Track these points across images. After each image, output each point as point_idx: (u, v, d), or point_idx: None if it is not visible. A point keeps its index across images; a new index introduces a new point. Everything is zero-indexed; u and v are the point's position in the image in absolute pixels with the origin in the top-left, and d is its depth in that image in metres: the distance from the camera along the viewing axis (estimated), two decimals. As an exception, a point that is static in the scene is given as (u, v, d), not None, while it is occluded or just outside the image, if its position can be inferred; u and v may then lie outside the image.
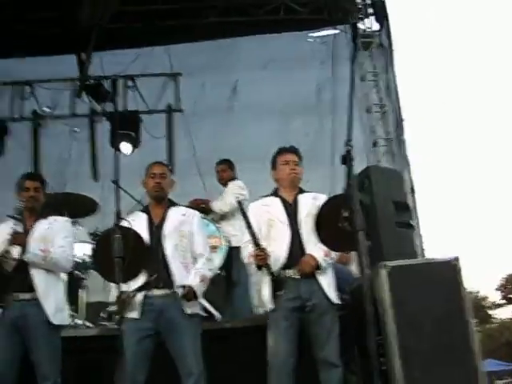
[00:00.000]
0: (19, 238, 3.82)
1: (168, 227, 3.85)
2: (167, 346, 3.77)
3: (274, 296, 3.75)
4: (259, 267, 3.81)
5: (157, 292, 3.76)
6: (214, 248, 5.73)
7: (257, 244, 3.80)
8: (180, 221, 3.92)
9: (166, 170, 4.13)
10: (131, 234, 3.16)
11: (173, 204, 4.07)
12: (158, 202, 3.98)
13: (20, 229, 3.88)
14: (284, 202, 3.99)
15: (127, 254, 2.98)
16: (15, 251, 3.79)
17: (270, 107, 8.70)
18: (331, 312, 3.82)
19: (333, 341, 3.74)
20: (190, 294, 3.74)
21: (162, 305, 3.74)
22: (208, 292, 5.96)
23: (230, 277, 6.02)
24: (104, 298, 6.84)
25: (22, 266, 3.85)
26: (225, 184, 6.31)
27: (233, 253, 5.89)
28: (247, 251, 3.94)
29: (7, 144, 8.45)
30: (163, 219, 3.88)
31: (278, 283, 3.74)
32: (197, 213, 4.18)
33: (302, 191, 4.06)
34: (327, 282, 3.84)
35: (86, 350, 4.57)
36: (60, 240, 3.98)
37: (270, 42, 8.58)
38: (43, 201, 4.12)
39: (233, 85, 8.70)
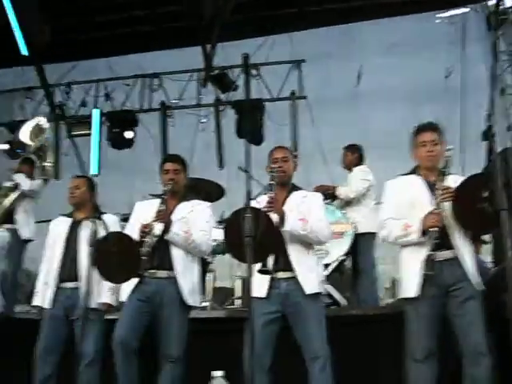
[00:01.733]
0: (164, 215, 3.91)
1: (287, 210, 3.78)
2: (293, 330, 3.73)
3: (425, 277, 3.51)
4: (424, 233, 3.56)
5: (282, 275, 3.74)
6: (340, 234, 5.64)
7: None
8: (299, 203, 3.84)
9: (288, 153, 4.05)
10: (261, 215, 3.13)
11: (296, 188, 4.01)
12: (281, 186, 3.92)
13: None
14: (425, 181, 3.75)
15: (258, 234, 2.95)
16: (157, 228, 3.87)
17: (395, 93, 8.46)
18: (476, 297, 3.55)
19: (479, 328, 3.47)
20: None
21: (287, 288, 3.71)
22: (334, 279, 5.96)
23: (356, 264, 5.90)
24: (230, 284, 6.98)
25: (162, 245, 3.91)
26: (350, 169, 6.14)
27: (359, 240, 5.77)
28: (395, 225, 3.69)
29: (137, 134, 8.82)
30: (283, 202, 3.82)
31: (429, 263, 3.50)
32: (318, 194, 4.08)
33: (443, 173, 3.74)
34: (471, 267, 3.58)
35: (213, 332, 4.63)
36: (202, 224, 4.02)
37: (394, 25, 8.33)
38: (184, 183, 4.16)
39: (357, 71, 8.52)
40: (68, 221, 4.46)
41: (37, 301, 4.42)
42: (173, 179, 4.04)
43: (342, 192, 5.96)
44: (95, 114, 8.98)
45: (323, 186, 6.14)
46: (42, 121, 6.57)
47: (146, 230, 3.78)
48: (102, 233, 3.40)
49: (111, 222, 3.77)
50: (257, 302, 3.53)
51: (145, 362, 3.87)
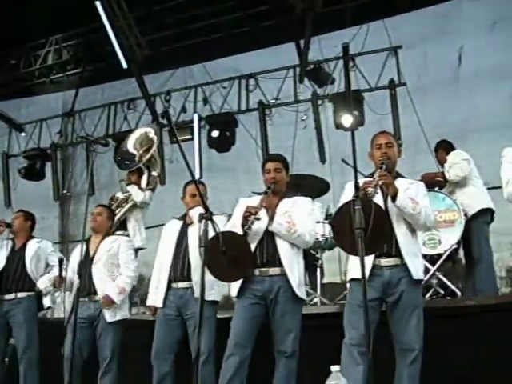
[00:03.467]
0: (269, 201, 3.94)
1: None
2: (389, 318, 3.63)
3: None
4: None
5: (385, 262, 3.65)
6: (451, 222, 5.43)
7: None
8: (405, 188, 3.72)
9: (392, 139, 3.96)
10: (372, 205, 3.06)
11: (400, 176, 3.90)
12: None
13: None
14: None
15: (368, 226, 2.88)
16: (261, 217, 3.89)
17: (500, 73, 8.03)
18: None
19: None
20: None
21: (390, 275, 3.62)
22: (447, 269, 5.76)
23: (470, 252, 5.66)
24: (339, 279, 6.91)
25: (269, 241, 3.94)
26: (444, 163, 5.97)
27: (472, 226, 5.55)
28: None
29: (238, 135, 8.91)
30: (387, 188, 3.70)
31: None
32: (422, 184, 3.95)
33: None
34: None
35: (324, 327, 4.59)
36: (304, 216, 4.02)
37: (494, 0, 7.94)
38: (286, 181, 4.18)
39: (457, 52, 8.18)
40: (179, 223, 4.59)
41: (150, 301, 4.58)
42: (274, 178, 4.06)
43: (452, 173, 5.74)
44: (195, 119, 9.16)
45: (430, 173, 5.97)
46: (150, 131, 6.77)
47: (250, 210, 3.82)
48: (212, 233, 3.44)
49: (220, 222, 3.81)
50: (357, 287, 3.49)
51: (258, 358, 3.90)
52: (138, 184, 6.49)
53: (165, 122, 9.45)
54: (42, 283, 5.28)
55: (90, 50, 9.38)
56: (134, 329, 5.28)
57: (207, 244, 3.28)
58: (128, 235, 6.31)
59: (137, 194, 6.37)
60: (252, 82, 9.21)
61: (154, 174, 6.61)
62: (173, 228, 4.63)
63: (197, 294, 4.24)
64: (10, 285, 5.24)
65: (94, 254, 4.87)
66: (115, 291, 4.74)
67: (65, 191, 10.49)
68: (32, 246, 5.43)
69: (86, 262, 4.73)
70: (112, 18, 8.20)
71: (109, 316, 4.69)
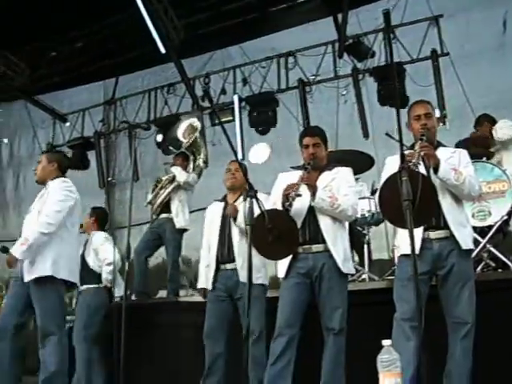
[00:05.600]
0: (309, 177, 3.89)
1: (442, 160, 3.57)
2: (440, 290, 3.56)
3: None
4: None
5: (434, 235, 3.57)
6: (501, 193, 5.29)
7: None
8: (448, 157, 3.63)
9: (430, 108, 3.86)
10: (420, 176, 2.99)
11: (441, 145, 3.81)
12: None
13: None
14: None
15: (416, 197, 2.81)
16: (303, 193, 3.84)
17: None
18: None
19: None
20: None
21: (440, 247, 3.54)
22: (498, 241, 5.61)
23: (521, 223, 5.51)
24: (387, 255, 6.83)
25: (312, 218, 3.92)
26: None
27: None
28: None
29: (279, 114, 8.86)
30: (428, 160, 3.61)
31: None
32: (463, 151, 3.83)
33: None
34: None
35: (373, 303, 4.55)
36: (345, 189, 3.97)
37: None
38: (325, 154, 4.13)
39: (502, 18, 7.91)
40: (222, 205, 4.61)
41: (201, 284, 4.61)
42: (313, 153, 4.00)
43: (500, 132, 5.59)
44: (235, 100, 9.14)
45: (477, 134, 5.85)
46: (194, 121, 6.85)
47: (291, 187, 3.79)
48: (257, 211, 3.43)
49: (264, 200, 3.79)
50: (406, 262, 3.42)
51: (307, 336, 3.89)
52: (183, 167, 6.54)
53: (205, 104, 9.49)
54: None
55: (126, 38, 9.41)
56: (186, 310, 5.35)
57: (253, 222, 3.27)
58: (172, 218, 6.37)
59: (180, 175, 6.44)
60: (291, 59, 9.13)
61: (199, 159, 6.70)
62: (215, 210, 4.65)
63: (242, 278, 4.27)
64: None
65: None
66: None
67: (110, 178, 10.64)
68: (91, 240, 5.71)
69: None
70: (147, 4, 8.20)
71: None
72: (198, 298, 4.88)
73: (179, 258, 6.54)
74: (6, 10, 8.37)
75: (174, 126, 7.12)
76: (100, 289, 5.56)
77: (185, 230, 6.49)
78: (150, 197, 6.66)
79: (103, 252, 5.60)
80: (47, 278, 4.20)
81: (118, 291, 5.61)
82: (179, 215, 6.42)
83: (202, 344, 4.42)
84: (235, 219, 4.39)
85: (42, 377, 4.13)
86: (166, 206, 6.49)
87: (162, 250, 6.67)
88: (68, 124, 11.11)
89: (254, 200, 3.27)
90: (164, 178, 6.59)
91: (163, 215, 6.48)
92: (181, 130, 6.87)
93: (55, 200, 4.33)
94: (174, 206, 6.46)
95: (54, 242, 4.27)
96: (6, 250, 5.11)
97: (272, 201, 4.00)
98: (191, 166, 6.70)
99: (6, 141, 12.03)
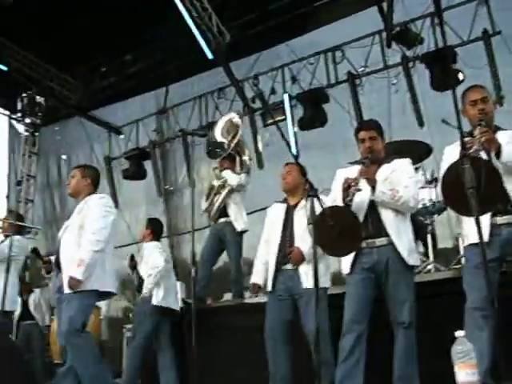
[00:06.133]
0: (368, 171, 3.86)
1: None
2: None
3: None
4: None
5: (501, 220, 3.47)
6: None
7: None
8: (507, 141, 3.53)
9: (485, 92, 3.76)
10: (482, 162, 2.92)
11: (499, 129, 3.71)
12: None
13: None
14: None
15: (480, 184, 2.75)
16: (363, 188, 3.81)
17: None
18: None
19: None
20: None
21: (509, 233, 3.45)
22: None
23: None
24: (451, 244, 6.69)
25: (373, 212, 3.88)
26: None
27: None
28: None
29: (331, 110, 8.79)
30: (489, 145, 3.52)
31: None
32: None
33: None
34: None
35: (441, 294, 4.47)
36: (405, 180, 3.92)
37: None
38: (382, 148, 4.09)
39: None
40: (283, 206, 4.62)
41: (254, 279, 4.69)
42: (370, 147, 3.96)
43: None
44: (285, 99, 9.12)
45: None
46: (234, 117, 6.81)
47: (350, 182, 3.76)
48: (319, 210, 3.43)
49: (323, 198, 3.78)
50: (474, 251, 3.34)
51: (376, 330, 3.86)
52: (232, 169, 6.55)
53: (255, 106, 9.51)
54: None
55: (173, 47, 9.51)
56: (251, 312, 5.38)
57: (315, 221, 3.26)
58: (231, 222, 6.39)
59: (232, 178, 6.44)
60: (338, 53, 9.03)
61: (245, 158, 6.68)
62: (277, 211, 4.67)
63: (305, 283, 4.28)
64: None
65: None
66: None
67: (167, 186, 10.79)
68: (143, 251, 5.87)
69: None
70: (192, 11, 8.28)
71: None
72: (264, 299, 4.91)
73: (241, 260, 6.57)
74: (57, 29, 8.64)
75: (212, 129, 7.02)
76: (146, 297, 5.70)
77: (244, 232, 6.50)
78: (204, 204, 6.66)
79: (151, 261, 5.72)
80: (90, 291, 4.33)
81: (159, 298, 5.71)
82: (238, 218, 6.44)
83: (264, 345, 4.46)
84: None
85: None
86: (222, 211, 6.52)
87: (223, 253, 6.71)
88: (122, 136, 11.32)
89: (315, 199, 3.26)
90: (216, 184, 6.57)
91: (221, 220, 6.50)
92: (219, 129, 6.79)
93: (98, 217, 4.44)
94: (231, 209, 6.48)
95: (101, 260, 4.42)
96: (37, 253, 5.28)
97: (332, 197, 3.99)
98: (238, 166, 6.67)
99: (64, 157, 12.36)
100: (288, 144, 3.37)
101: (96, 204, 4.53)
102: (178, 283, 8.10)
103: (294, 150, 8.52)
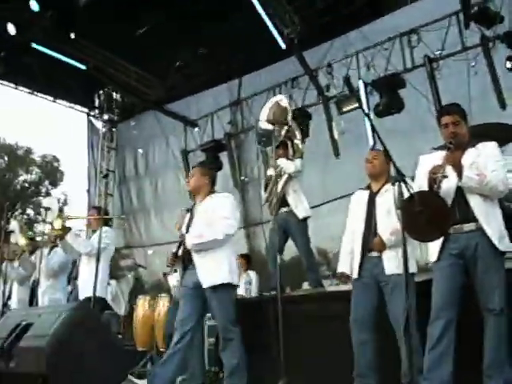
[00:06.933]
0: (452, 157, 3.78)
1: None
2: None
3: None
4: None
5: None
6: None
7: None
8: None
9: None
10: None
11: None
12: None
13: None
14: None
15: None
16: (449, 175, 3.74)
17: None
18: None
19: None
20: None
21: None
22: None
23: None
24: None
25: (460, 197, 3.80)
26: None
27: None
28: None
29: (407, 96, 8.61)
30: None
31: None
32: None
33: None
34: None
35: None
36: (492, 164, 3.82)
37: None
38: (466, 132, 3.99)
39: None
40: (366, 193, 4.58)
41: (341, 268, 4.63)
42: (454, 132, 3.89)
43: None
44: (361, 86, 9.01)
45: None
46: (282, 99, 6.63)
47: (436, 171, 3.70)
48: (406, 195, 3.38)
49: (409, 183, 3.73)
50: None
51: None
52: (286, 156, 6.44)
53: (330, 94, 9.44)
54: None
55: (246, 38, 9.54)
56: (331, 300, 5.36)
57: (403, 206, 3.21)
58: (292, 210, 6.30)
59: (288, 166, 6.32)
60: (414, 37, 8.81)
61: (297, 141, 6.53)
62: (360, 198, 4.62)
63: (388, 270, 4.24)
64: None
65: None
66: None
67: (243, 177, 10.87)
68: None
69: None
70: (263, 2, 8.29)
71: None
72: (344, 287, 4.88)
73: (311, 248, 6.48)
74: (133, 27, 8.85)
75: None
76: None
77: (307, 219, 6.40)
78: (265, 195, 6.56)
79: None
80: (225, 285, 4.59)
81: None
82: (298, 206, 6.31)
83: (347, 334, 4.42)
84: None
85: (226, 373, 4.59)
86: (282, 200, 6.41)
87: (291, 243, 6.62)
88: (198, 129, 11.48)
89: (402, 184, 3.21)
90: (274, 174, 6.39)
91: (283, 209, 6.35)
92: (265, 115, 6.48)
93: (228, 214, 4.69)
94: (291, 197, 6.33)
95: (230, 251, 4.73)
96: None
97: (417, 184, 3.93)
98: (291, 151, 6.51)
99: (141, 151, 12.68)
100: (374, 129, 3.32)
101: (225, 203, 4.78)
102: (253, 273, 8.17)
103: (370, 138, 8.41)
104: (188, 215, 4.95)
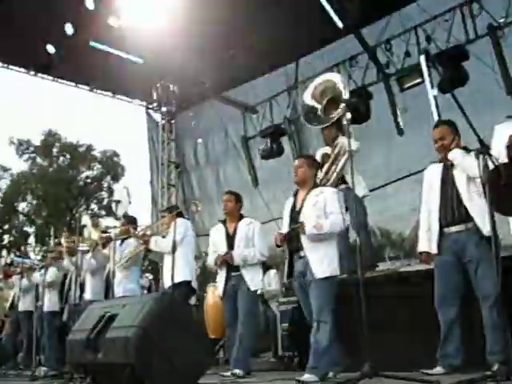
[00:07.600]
0: None
1: None
2: None
3: None
4: None
5: None
6: None
7: None
8: None
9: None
10: None
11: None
12: None
13: None
14: None
15: None
16: None
17: None
18: None
19: None
20: None
21: None
22: None
23: None
24: None
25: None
26: None
27: None
28: None
29: (472, 68, 8.32)
30: None
31: None
32: None
33: None
34: None
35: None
36: None
37: None
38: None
39: None
40: (440, 165, 4.45)
41: (422, 247, 4.52)
42: None
43: None
44: (422, 61, 8.75)
45: None
46: (334, 77, 6.47)
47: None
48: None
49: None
50: None
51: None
52: (343, 134, 6.15)
53: (390, 71, 9.24)
54: None
55: (301, 19, 9.40)
56: (408, 280, 5.25)
57: (489, 178, 3.10)
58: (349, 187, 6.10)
59: (351, 144, 6.08)
60: (475, 6, 8.48)
61: (346, 122, 6.29)
62: (434, 173, 4.49)
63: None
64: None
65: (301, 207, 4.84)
66: None
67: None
68: (242, 228, 5.78)
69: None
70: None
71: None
72: (418, 267, 4.77)
73: (369, 226, 6.32)
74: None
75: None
76: None
77: (365, 197, 6.23)
78: (321, 174, 6.22)
79: None
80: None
81: None
82: (356, 185, 6.15)
83: (428, 313, 4.31)
84: None
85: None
86: (341, 178, 6.21)
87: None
88: (256, 115, 11.44)
89: (487, 156, 3.10)
90: (334, 152, 6.18)
91: (341, 186, 6.19)
92: (310, 90, 6.33)
93: (337, 212, 4.73)
94: (349, 176, 6.17)
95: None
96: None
97: (494, 154, 3.77)
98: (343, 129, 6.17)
99: (200, 141, 12.74)
100: (437, 105, 3.24)
101: (335, 199, 4.80)
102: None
103: (435, 113, 8.17)
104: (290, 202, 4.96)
